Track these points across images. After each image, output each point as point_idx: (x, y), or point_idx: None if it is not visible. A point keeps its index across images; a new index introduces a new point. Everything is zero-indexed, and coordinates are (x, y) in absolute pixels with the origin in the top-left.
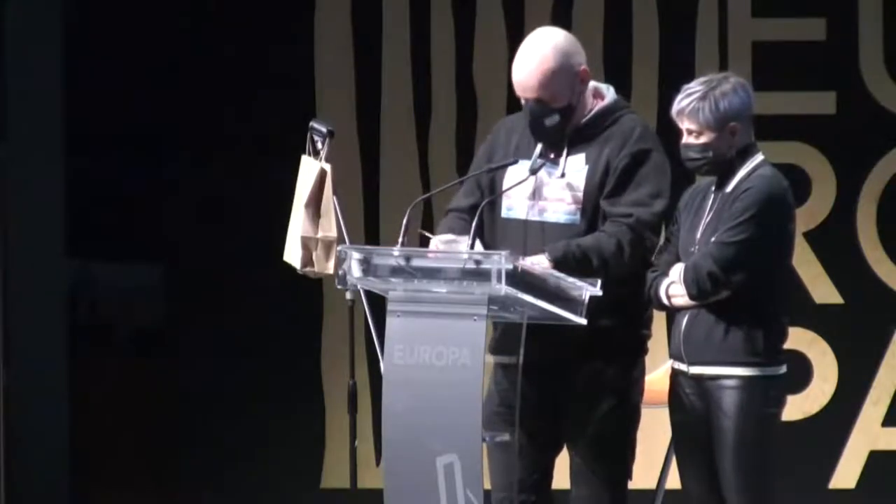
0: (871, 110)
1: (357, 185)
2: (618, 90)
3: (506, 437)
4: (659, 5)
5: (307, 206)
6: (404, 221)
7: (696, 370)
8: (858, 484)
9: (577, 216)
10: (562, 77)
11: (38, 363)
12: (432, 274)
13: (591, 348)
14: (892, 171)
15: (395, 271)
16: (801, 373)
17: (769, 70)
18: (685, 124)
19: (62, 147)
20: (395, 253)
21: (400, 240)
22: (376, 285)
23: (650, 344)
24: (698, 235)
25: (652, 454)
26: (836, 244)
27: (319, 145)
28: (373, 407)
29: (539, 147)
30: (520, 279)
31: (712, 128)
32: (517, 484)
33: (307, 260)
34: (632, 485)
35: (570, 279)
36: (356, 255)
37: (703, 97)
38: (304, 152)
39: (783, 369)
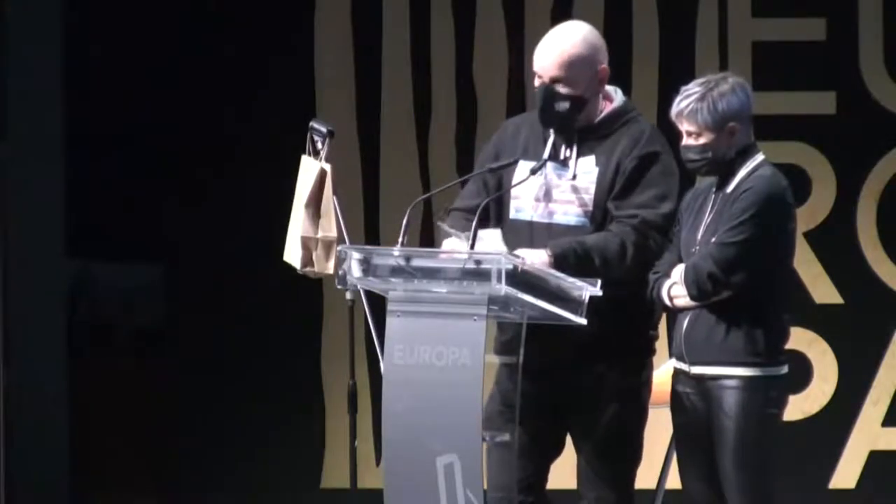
0: (871, 110)
1: (357, 185)
2: None
3: (506, 437)
4: (659, 5)
5: (307, 206)
6: (404, 221)
7: (697, 370)
8: (858, 484)
9: (587, 218)
10: (583, 65)
11: (38, 363)
12: (432, 274)
13: (599, 350)
14: (892, 171)
15: (395, 271)
16: (801, 373)
17: (769, 70)
18: (684, 126)
19: (62, 147)
20: (395, 253)
21: (400, 240)
22: (376, 285)
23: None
24: (699, 236)
25: (652, 454)
26: (836, 244)
27: (319, 145)
28: (373, 407)
29: (552, 140)
30: (520, 279)
31: (711, 128)
32: (517, 484)
33: (307, 260)
34: None
35: (571, 279)
36: (356, 255)
37: (701, 98)
38: (304, 152)
39: (784, 369)
